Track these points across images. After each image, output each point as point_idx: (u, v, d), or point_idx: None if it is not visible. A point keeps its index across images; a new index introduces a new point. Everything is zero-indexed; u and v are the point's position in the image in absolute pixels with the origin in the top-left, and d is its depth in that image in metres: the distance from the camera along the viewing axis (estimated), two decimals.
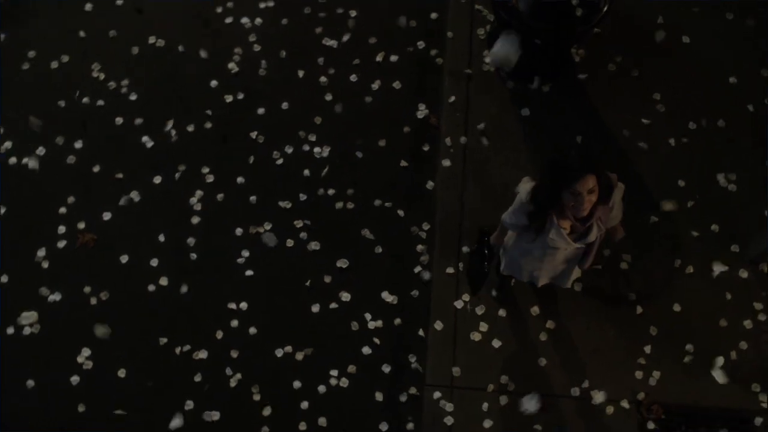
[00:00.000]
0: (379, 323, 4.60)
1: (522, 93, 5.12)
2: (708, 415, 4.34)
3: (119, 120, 5.14)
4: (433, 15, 5.47)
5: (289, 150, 5.05)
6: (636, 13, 5.25)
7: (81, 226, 4.86)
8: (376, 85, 5.25)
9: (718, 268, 4.55)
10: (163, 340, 4.56)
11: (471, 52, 5.24)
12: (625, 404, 4.32)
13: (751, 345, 4.46)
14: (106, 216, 4.88)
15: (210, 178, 4.97)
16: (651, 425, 4.30)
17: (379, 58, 5.32)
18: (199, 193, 4.93)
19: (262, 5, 5.52)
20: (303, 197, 4.92)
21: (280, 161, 5.02)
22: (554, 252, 3.65)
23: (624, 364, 4.42)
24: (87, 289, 4.69)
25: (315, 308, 4.63)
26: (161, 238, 4.81)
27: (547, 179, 3.32)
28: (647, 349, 4.45)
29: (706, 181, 4.86)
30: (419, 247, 4.79)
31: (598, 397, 4.32)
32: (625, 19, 5.22)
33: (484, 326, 4.49)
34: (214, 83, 5.26)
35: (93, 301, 4.67)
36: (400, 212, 4.88)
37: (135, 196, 4.92)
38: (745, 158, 4.91)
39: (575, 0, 4.47)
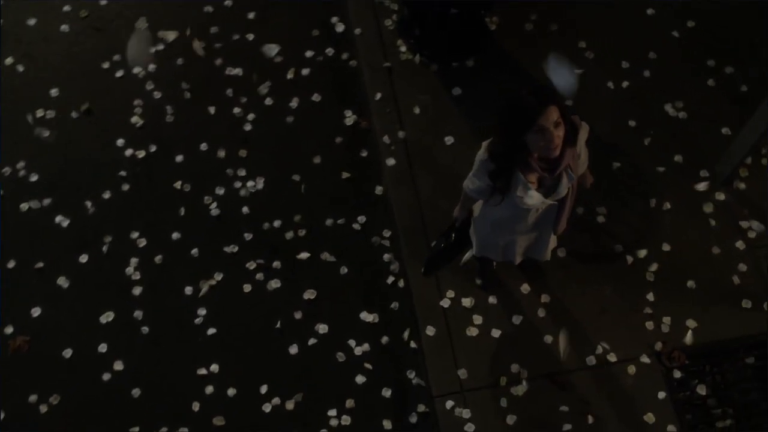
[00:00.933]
0: (366, 347, 4.24)
1: (448, 73, 4.92)
2: (729, 348, 4.14)
3: (25, 206, 4.66)
4: (334, 19, 5.24)
5: (220, 191, 4.68)
6: None
7: (9, 330, 4.33)
8: (294, 103, 4.95)
9: (701, 187, 4.41)
10: (135, 430, 4.07)
11: (384, 45, 5.02)
12: (645, 359, 4.08)
13: (750, 265, 4.32)
14: (35, 312, 4.37)
15: (142, 242, 4.54)
16: (677, 374, 4.07)
17: (290, 75, 5.04)
18: (134, 261, 4.49)
19: (151, 50, 5.16)
20: (249, 236, 4.54)
21: (213, 206, 4.64)
22: (525, 215, 3.37)
23: (631, 319, 4.19)
24: (33, 398, 4.16)
25: (293, 350, 4.24)
26: (104, 319, 4.34)
27: (505, 126, 3.01)
28: (650, 297, 4.24)
29: (656, 114, 4.75)
30: (386, 256, 4.47)
31: (616, 359, 4.07)
32: None
33: (477, 319, 4.19)
34: (120, 142, 4.85)
35: (43, 409, 4.14)
36: (356, 226, 4.57)
37: (63, 282, 4.44)
38: (685, 83, 4.82)
39: None
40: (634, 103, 4.78)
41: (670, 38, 5.00)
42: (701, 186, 4.45)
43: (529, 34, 5.03)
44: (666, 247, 4.37)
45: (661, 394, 4.00)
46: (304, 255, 4.47)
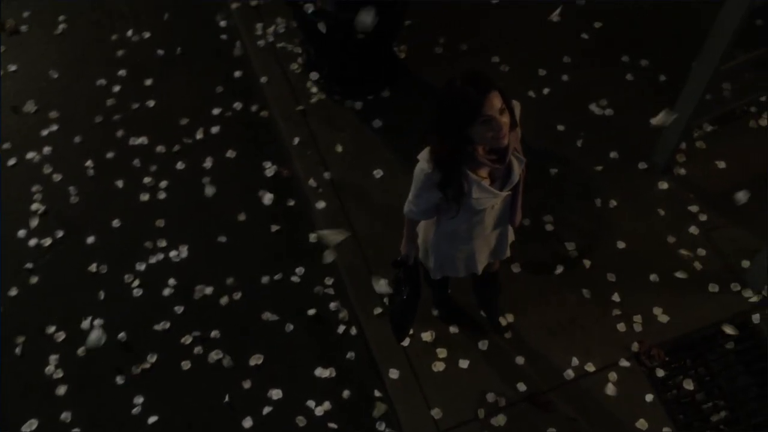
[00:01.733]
0: (328, 405, 3.89)
1: (365, 107, 4.76)
2: (707, 336, 3.98)
3: None
4: (237, 73, 5.04)
5: (141, 267, 4.32)
6: None
7: None
8: (208, 163, 4.68)
9: (662, 185, 4.37)
10: None
11: (294, 89, 4.84)
12: (624, 363, 3.87)
13: (709, 248, 4.20)
14: None
15: (60, 336, 4.12)
16: (660, 372, 3.86)
17: (199, 136, 4.78)
18: (53, 358, 4.06)
19: (44, 132, 4.84)
20: (180, 309, 4.18)
21: (136, 283, 4.27)
22: (482, 218, 3.13)
23: (601, 323, 4.00)
24: None
25: (247, 423, 3.85)
26: (27, 429, 3.86)
27: (446, 125, 2.76)
28: (615, 297, 4.06)
29: (582, 116, 4.69)
30: (332, 305, 4.17)
31: (594, 368, 3.84)
32: (426, 2, 5.08)
33: (442, 352, 3.92)
34: (22, 233, 4.46)
35: None
36: (295, 278, 4.27)
37: None
38: (605, 81, 4.80)
39: None
40: (559, 108, 4.71)
41: (580, 40, 4.99)
42: (663, 184, 4.36)
43: (441, 56, 4.95)
44: (621, 245, 4.22)
45: (649, 397, 3.78)
46: (243, 319, 4.13)
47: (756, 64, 4.69)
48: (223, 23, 5.26)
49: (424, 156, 2.91)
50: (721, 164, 4.46)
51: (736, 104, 4.54)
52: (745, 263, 4.11)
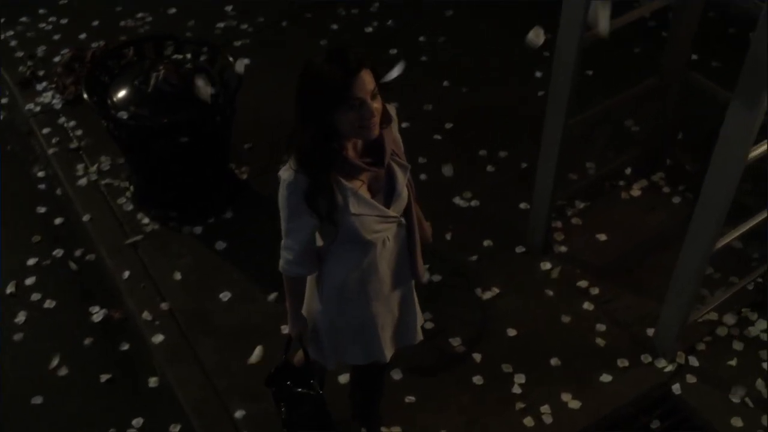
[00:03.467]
0: None
1: (206, 231, 4.31)
2: (628, 416, 3.50)
3: None
4: (58, 220, 4.53)
5: None
6: None
7: None
8: (21, 318, 4.04)
9: (545, 266, 4.06)
10: None
11: (122, 223, 4.36)
12: None
13: (607, 321, 3.83)
14: None
15: None
16: None
17: (10, 290, 4.16)
18: None
19: None
20: None
21: None
22: (373, 259, 2.60)
23: (505, 421, 3.46)
24: None
25: None
26: None
27: (304, 114, 2.31)
28: (515, 389, 3.56)
29: (447, 209, 4.41)
30: None
31: None
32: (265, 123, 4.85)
33: None
34: None
35: None
36: None
37: None
38: (465, 176, 4.59)
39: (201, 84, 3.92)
40: (422, 206, 4.41)
41: (433, 141, 4.83)
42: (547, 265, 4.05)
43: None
44: (512, 332, 3.79)
45: None
46: None
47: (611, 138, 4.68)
48: (41, 173, 4.80)
49: (286, 167, 2.43)
50: (602, 236, 4.22)
51: (602, 175, 4.41)
52: (650, 331, 3.74)
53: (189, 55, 4.10)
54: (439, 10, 5.83)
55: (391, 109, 2.51)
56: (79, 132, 4.88)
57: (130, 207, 4.42)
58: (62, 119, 4.97)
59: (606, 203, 4.41)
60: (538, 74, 5.12)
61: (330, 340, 2.82)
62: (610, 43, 3.29)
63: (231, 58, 4.06)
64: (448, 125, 4.94)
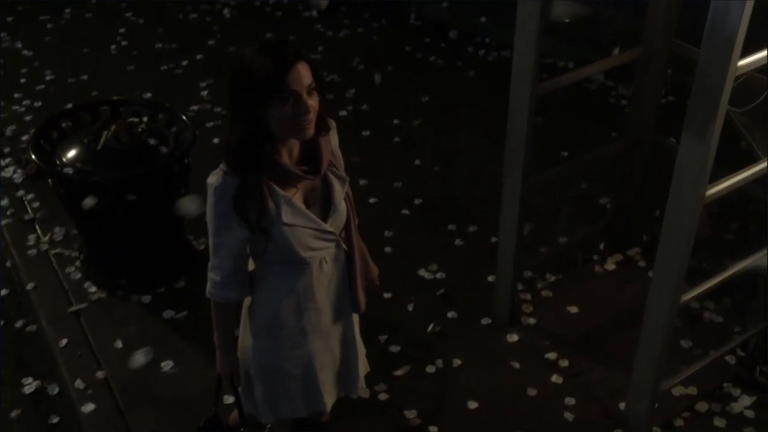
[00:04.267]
0: None
1: (155, 300, 4.13)
2: None
3: None
4: (4, 291, 4.37)
5: None
6: None
7: None
8: None
9: (512, 338, 3.85)
10: None
11: (68, 291, 4.19)
12: None
13: (577, 395, 3.58)
14: None
15: None
16: None
17: None
18: None
19: None
20: None
21: None
22: (310, 282, 2.43)
23: None
24: None
25: None
26: None
27: (234, 109, 2.20)
28: None
29: (411, 281, 4.24)
30: None
31: None
32: None
33: None
34: None
35: None
36: None
37: None
38: (431, 247, 4.45)
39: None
40: (384, 278, 4.23)
41: (401, 216, 4.71)
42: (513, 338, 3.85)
43: None
44: (473, 405, 3.54)
45: None
46: None
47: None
48: None
49: (215, 171, 2.30)
50: (573, 309, 4.02)
51: (573, 247, 4.25)
52: (623, 405, 3.48)
53: (145, 118, 4.05)
54: (416, 96, 5.85)
55: (330, 122, 2.41)
56: (36, 204, 4.80)
57: (78, 276, 4.27)
58: (21, 192, 4.89)
59: (578, 276, 4.24)
60: None
61: (264, 387, 2.61)
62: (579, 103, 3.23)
63: (184, 117, 4.01)
64: (418, 201, 4.84)
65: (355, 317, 2.70)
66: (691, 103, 2.54)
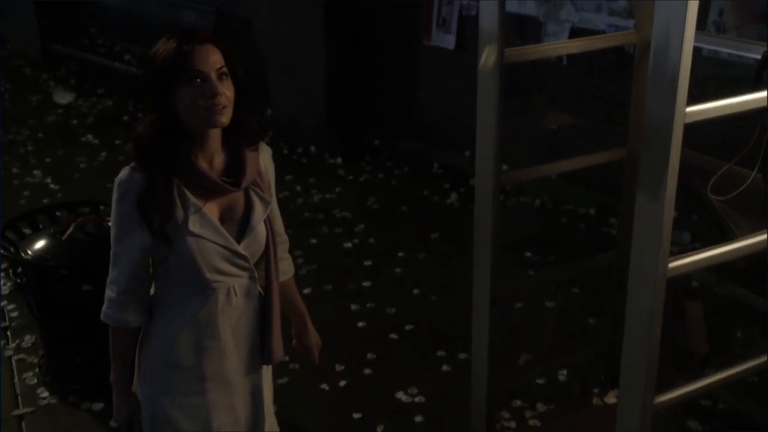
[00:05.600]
0: None
1: (106, 408, 3.88)
2: None
3: None
4: None
5: None
6: None
7: None
8: None
9: None
10: None
11: (19, 395, 4.00)
12: None
13: None
14: None
15: None
16: None
17: None
18: None
19: None
20: None
21: None
22: (212, 311, 2.19)
23: None
24: None
25: None
26: None
27: (146, 97, 2.12)
28: None
29: (386, 403, 3.92)
30: None
31: None
32: None
33: None
34: None
35: None
36: None
37: None
38: (415, 371, 4.16)
39: None
40: (358, 397, 3.94)
41: (388, 340, 4.45)
42: None
43: None
44: None
45: None
46: None
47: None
48: None
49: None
50: None
51: (569, 379, 3.88)
52: None
53: None
54: (426, 232, 5.72)
55: (264, 144, 2.31)
56: (15, 314, 4.71)
57: (34, 381, 4.08)
58: (4, 302, 4.82)
59: (573, 408, 3.84)
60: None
61: (150, 413, 2.31)
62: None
63: None
64: (409, 327, 4.57)
65: (267, 375, 2.43)
66: (643, 156, 2.33)
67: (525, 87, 5.70)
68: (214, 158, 2.18)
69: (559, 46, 3.23)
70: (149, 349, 2.28)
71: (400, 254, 5.41)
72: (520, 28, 5.85)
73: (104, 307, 2.23)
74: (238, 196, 2.22)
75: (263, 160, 2.30)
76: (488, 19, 2.80)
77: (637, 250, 2.42)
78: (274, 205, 2.38)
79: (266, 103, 7.64)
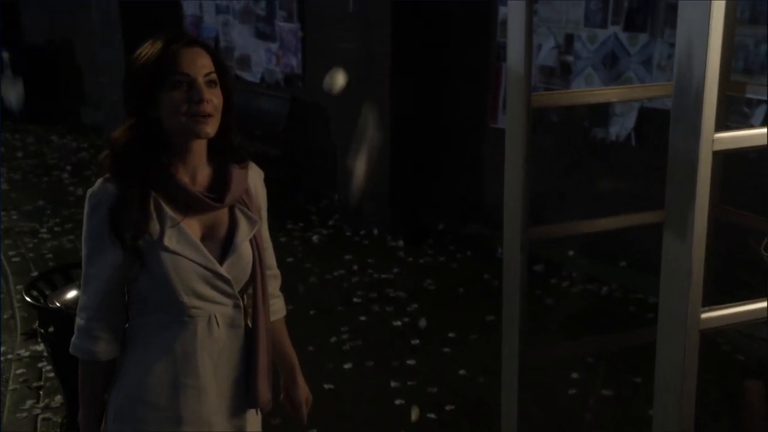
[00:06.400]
0: None
1: None
2: None
3: None
4: None
5: None
6: None
7: None
8: None
9: None
10: None
11: None
12: None
13: None
14: None
15: None
16: None
17: None
18: None
19: None
20: None
21: None
22: (191, 343, 2.00)
23: None
24: None
25: None
26: None
27: (126, 99, 1.99)
28: None
29: None
30: None
31: None
32: None
33: None
34: None
35: None
36: None
37: None
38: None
39: None
40: None
41: (425, 419, 4.17)
42: None
43: None
44: None
45: None
46: None
47: None
48: None
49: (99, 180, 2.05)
50: None
51: None
52: None
53: None
54: (481, 315, 5.47)
55: (253, 165, 2.17)
56: (51, 374, 4.66)
57: None
58: (43, 363, 4.80)
59: None
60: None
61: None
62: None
63: None
64: (449, 407, 4.30)
65: (255, 422, 2.22)
66: (668, 189, 2.11)
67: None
68: (197, 173, 2.04)
69: (589, 93, 3.05)
70: (120, 385, 2.10)
71: (451, 334, 5.17)
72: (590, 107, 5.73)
73: (73, 337, 2.06)
74: (222, 214, 2.07)
75: (252, 179, 2.15)
76: (516, 61, 2.67)
77: (665, 298, 2.16)
78: (266, 236, 2.24)
79: (334, 188, 7.64)
